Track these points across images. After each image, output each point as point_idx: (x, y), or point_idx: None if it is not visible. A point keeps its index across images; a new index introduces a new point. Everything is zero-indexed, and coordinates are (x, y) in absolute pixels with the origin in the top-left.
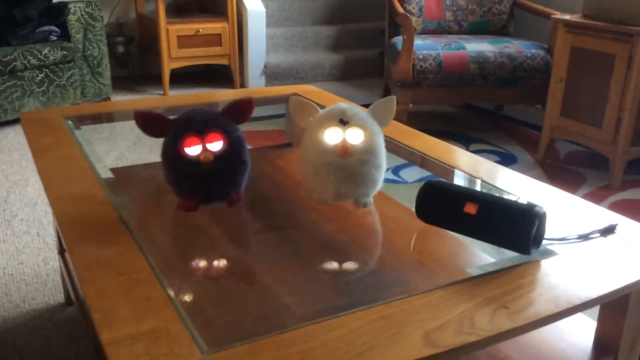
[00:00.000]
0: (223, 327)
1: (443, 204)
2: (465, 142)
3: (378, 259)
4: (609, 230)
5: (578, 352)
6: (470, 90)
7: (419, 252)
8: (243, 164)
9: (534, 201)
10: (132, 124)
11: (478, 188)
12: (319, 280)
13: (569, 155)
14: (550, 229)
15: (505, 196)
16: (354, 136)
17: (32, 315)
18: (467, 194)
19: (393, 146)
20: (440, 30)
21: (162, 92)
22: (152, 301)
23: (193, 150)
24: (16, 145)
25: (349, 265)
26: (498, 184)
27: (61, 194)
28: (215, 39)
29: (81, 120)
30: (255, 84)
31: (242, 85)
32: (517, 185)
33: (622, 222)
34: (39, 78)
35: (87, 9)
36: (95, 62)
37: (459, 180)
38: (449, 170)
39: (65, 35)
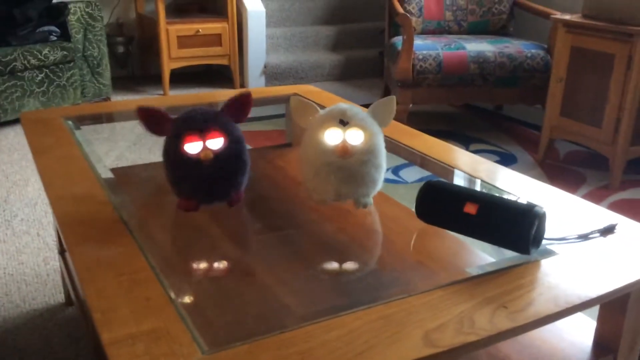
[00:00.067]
0: (223, 327)
1: (443, 204)
2: (465, 142)
3: (378, 259)
4: (608, 230)
5: (578, 351)
6: (470, 90)
7: (418, 252)
8: (243, 163)
9: (534, 201)
10: (132, 124)
11: (478, 188)
12: (319, 280)
13: (568, 155)
14: (550, 229)
15: (505, 196)
16: (354, 137)
17: (32, 315)
18: (467, 194)
19: (393, 146)
20: (440, 30)
21: (162, 92)
22: (153, 301)
23: (193, 148)
24: (16, 146)
25: (349, 265)
26: (498, 184)
27: (61, 194)
28: (215, 39)
29: (81, 120)
30: (255, 84)
31: (242, 86)
32: (516, 185)
33: (622, 222)
34: (39, 78)
35: (87, 9)
36: (95, 62)
37: (459, 180)
38: (448, 170)
39: (65, 36)
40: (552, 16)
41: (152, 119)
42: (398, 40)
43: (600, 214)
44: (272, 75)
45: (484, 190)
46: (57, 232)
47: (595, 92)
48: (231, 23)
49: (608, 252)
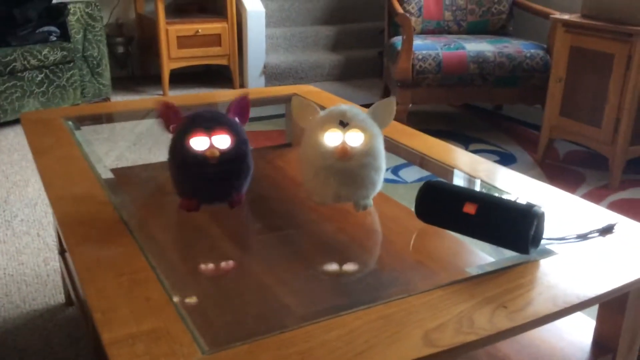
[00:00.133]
0: (223, 327)
1: (442, 204)
2: (464, 142)
3: (378, 259)
4: (607, 230)
5: (577, 351)
6: (469, 90)
7: (418, 252)
8: (247, 167)
9: (533, 201)
10: (132, 124)
11: (477, 188)
12: (319, 280)
13: (568, 155)
14: (549, 229)
15: (505, 196)
16: (354, 138)
17: (32, 316)
18: (466, 194)
19: (392, 146)
20: (439, 30)
21: (161, 93)
22: (153, 301)
23: (200, 144)
24: (16, 146)
25: (349, 265)
26: (497, 184)
27: (61, 194)
28: (215, 39)
29: (81, 120)
30: (255, 84)
31: (242, 86)
32: (516, 185)
33: (621, 221)
34: (38, 78)
35: (86, 10)
36: (95, 62)
37: (458, 180)
38: (448, 170)
39: (65, 36)
40: (552, 16)
41: (167, 112)
42: (397, 40)
43: (599, 214)
44: (272, 75)
45: (483, 190)
46: (57, 232)
47: (595, 92)
48: (231, 23)
49: (607, 251)
